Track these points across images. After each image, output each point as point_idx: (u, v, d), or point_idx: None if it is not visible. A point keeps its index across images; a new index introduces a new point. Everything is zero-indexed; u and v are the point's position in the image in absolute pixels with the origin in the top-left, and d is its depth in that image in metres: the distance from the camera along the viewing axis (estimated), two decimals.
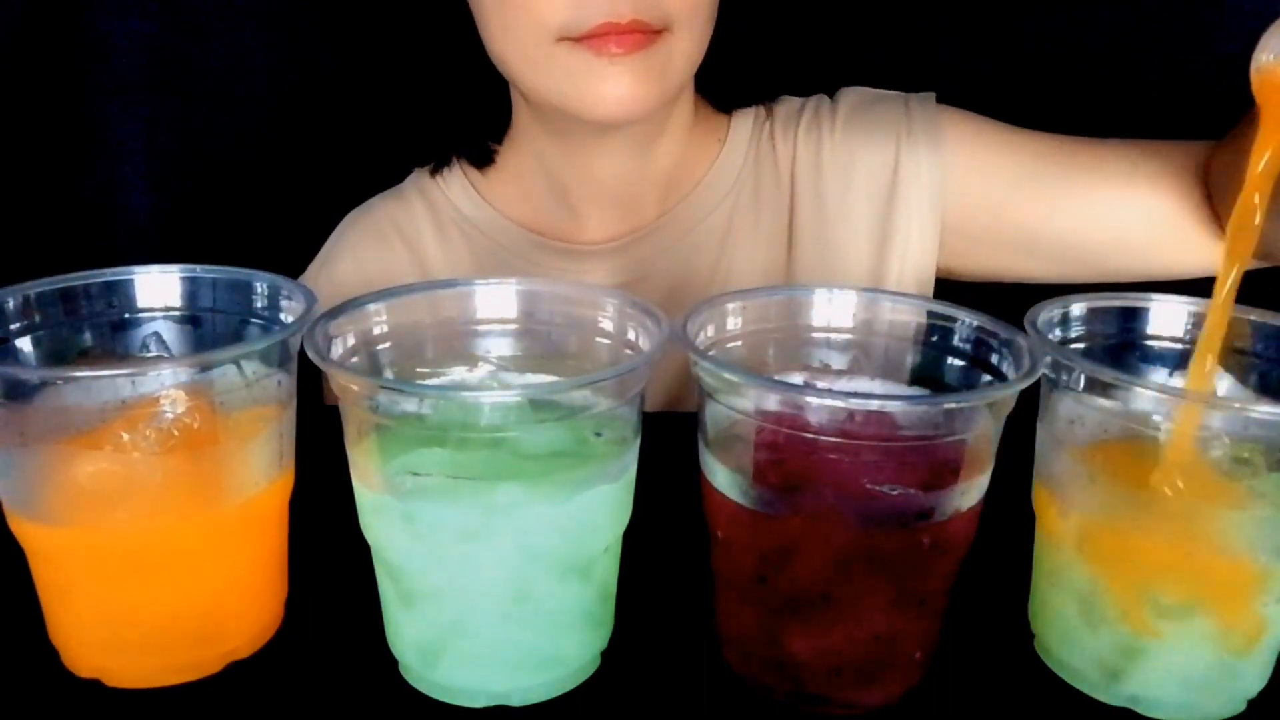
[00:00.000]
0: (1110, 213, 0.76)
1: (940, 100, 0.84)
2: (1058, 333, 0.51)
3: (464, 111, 0.86)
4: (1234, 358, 0.51)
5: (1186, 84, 0.98)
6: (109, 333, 0.52)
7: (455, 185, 0.88)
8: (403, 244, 0.88)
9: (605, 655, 0.50)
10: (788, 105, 0.88)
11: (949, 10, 1.03)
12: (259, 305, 0.53)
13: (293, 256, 0.87)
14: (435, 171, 0.89)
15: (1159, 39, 0.99)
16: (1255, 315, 0.51)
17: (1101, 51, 1.00)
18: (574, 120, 0.74)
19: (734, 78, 0.86)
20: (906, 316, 0.52)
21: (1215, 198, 0.70)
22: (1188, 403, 0.45)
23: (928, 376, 0.52)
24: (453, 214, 0.88)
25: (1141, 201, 0.74)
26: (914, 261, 0.81)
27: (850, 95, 0.87)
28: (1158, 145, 0.76)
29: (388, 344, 0.51)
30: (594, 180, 0.83)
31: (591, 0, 0.69)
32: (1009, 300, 0.85)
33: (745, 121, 0.87)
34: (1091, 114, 0.98)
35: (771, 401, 0.44)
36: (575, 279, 0.84)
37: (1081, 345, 0.52)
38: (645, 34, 0.70)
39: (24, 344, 0.50)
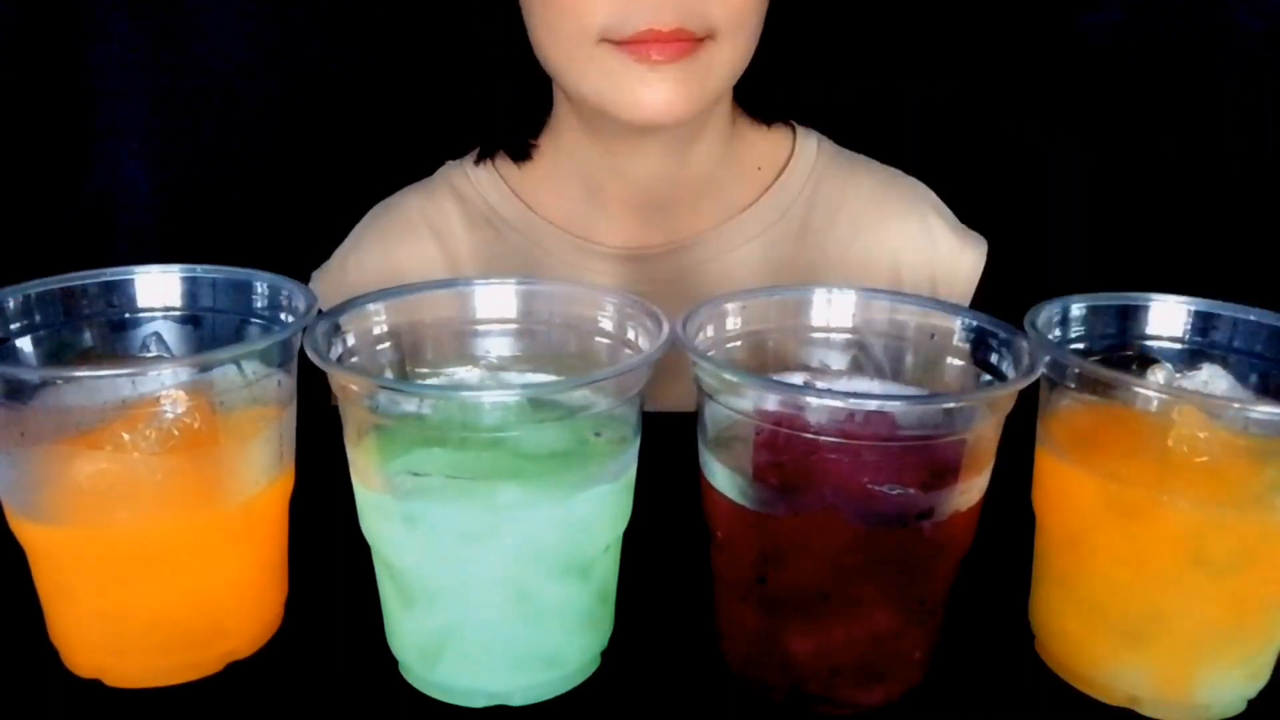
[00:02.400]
0: None
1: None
2: (1058, 333, 0.51)
3: (508, 106, 0.87)
4: (1234, 357, 0.51)
5: (1205, 65, 0.98)
6: (109, 333, 0.52)
7: (487, 180, 0.88)
8: (432, 236, 0.88)
9: (605, 655, 0.50)
10: (868, 166, 0.89)
11: (977, 24, 1.03)
12: (259, 305, 0.53)
13: (293, 256, 0.87)
14: (477, 163, 0.89)
15: (1176, 19, 0.99)
16: (1255, 315, 0.51)
17: (1112, 46, 1.01)
18: (612, 120, 0.75)
19: (771, 88, 0.86)
20: (906, 316, 0.52)
21: None
22: (1188, 403, 0.45)
23: (928, 376, 0.51)
24: (484, 208, 0.88)
25: None
26: None
27: (929, 198, 0.89)
28: None
29: (388, 344, 0.51)
30: (628, 181, 0.84)
31: (636, 5, 0.69)
32: (1009, 300, 0.85)
33: (808, 158, 0.88)
34: (1109, 110, 0.98)
35: (771, 401, 0.44)
36: (606, 281, 0.84)
37: (1081, 345, 0.52)
38: (688, 42, 0.70)
39: (24, 344, 0.50)
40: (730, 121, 0.86)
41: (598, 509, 0.46)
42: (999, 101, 1.02)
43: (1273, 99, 0.96)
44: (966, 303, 0.83)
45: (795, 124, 0.90)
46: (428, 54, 0.92)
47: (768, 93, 0.86)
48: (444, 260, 0.88)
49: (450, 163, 0.91)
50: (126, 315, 0.53)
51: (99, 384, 0.44)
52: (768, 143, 0.88)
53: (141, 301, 0.53)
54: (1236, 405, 0.43)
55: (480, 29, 0.84)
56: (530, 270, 0.85)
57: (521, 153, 0.87)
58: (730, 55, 0.74)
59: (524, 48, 0.78)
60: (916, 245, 0.86)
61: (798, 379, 0.52)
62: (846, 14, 1.00)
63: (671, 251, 0.85)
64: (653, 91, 0.71)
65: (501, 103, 0.87)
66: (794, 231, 0.86)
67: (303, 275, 0.90)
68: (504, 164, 0.89)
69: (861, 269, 0.85)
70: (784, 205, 0.86)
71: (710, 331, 0.50)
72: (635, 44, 0.70)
